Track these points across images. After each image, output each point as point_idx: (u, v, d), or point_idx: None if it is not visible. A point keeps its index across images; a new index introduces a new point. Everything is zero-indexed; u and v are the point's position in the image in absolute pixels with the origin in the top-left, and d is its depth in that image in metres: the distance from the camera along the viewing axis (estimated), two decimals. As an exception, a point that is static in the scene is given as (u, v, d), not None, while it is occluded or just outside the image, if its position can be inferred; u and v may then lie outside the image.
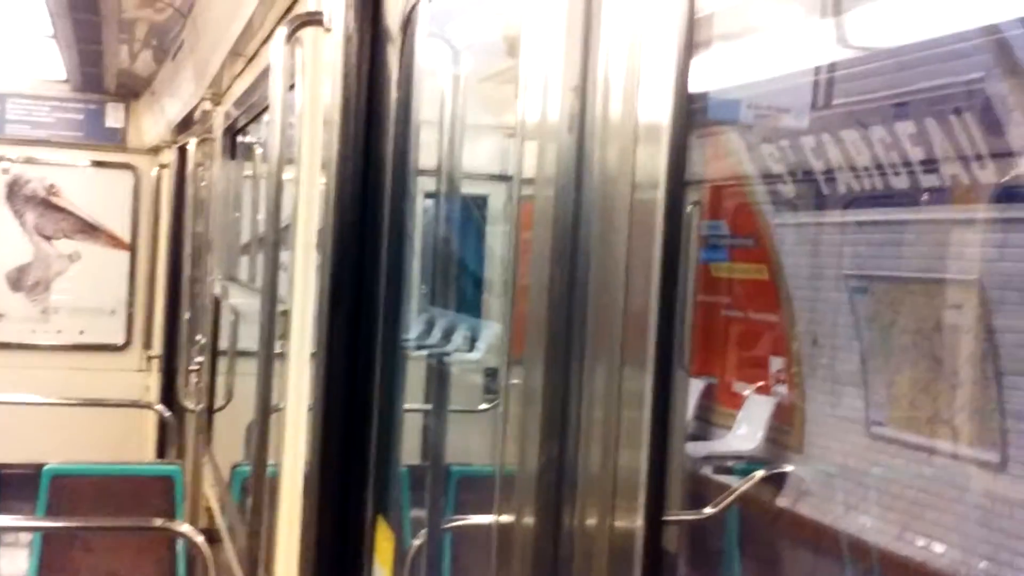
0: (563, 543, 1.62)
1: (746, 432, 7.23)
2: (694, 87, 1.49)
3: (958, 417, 5.61)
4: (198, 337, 6.24)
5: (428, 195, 4.15)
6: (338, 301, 2.75)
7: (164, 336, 8.57)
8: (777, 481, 6.69)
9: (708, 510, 4.95)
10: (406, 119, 2.62)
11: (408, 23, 2.50)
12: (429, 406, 3.71)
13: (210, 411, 5.87)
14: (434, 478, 3.56)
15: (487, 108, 4.68)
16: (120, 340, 9.68)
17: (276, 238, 3.05)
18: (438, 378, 4.04)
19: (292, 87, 3.09)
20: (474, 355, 6.61)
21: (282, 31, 2.85)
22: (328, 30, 2.76)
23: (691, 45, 1.45)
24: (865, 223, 6.07)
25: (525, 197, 1.78)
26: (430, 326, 6.41)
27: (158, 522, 5.21)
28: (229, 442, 5.51)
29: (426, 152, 3.39)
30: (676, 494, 6.21)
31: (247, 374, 3.26)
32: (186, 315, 7.09)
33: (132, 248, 9.68)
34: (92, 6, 5.95)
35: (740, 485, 5.47)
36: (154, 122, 8.93)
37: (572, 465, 1.63)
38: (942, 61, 4.93)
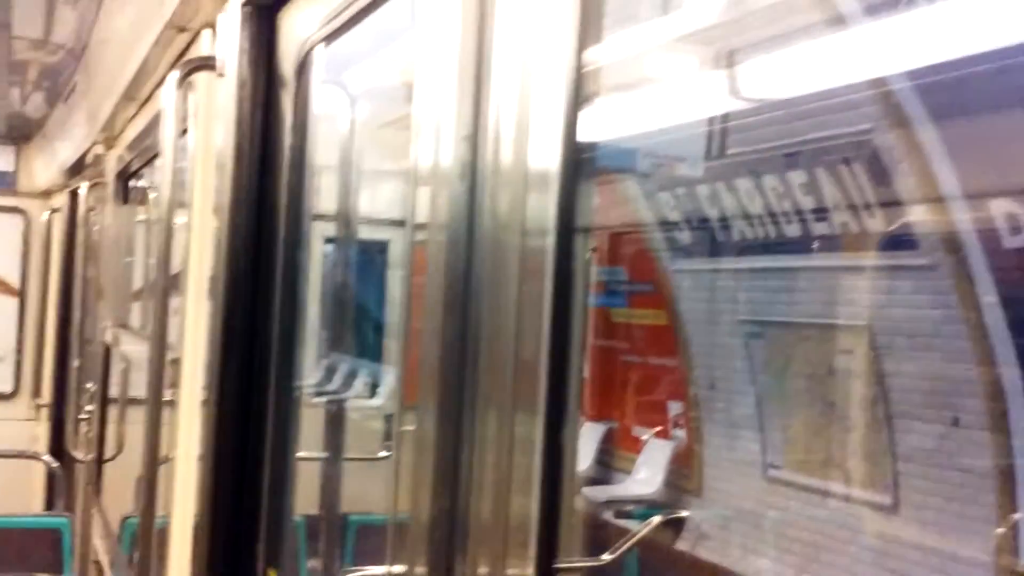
0: (455, 593, 1.60)
1: (646, 476, 7.28)
2: (592, 136, 1.51)
3: (851, 460, 5.73)
4: (88, 385, 6.09)
5: (328, 240, 4.12)
6: (230, 348, 2.70)
7: (54, 384, 8.34)
8: (677, 525, 6.73)
9: (606, 556, 4.95)
10: (301, 165, 2.60)
11: (302, 69, 2.48)
12: (327, 454, 3.66)
13: (100, 461, 5.72)
14: (330, 527, 3.51)
15: (389, 154, 4.68)
16: (8, 388, 9.41)
17: (166, 284, 2.99)
18: (336, 425, 3.99)
19: (185, 132, 3.05)
20: (375, 401, 6.56)
21: (174, 75, 2.81)
22: (221, 75, 2.73)
23: (579, 96, 1.47)
24: (759, 270, 6.19)
25: (418, 243, 1.77)
26: (331, 372, 6.36)
27: (44, 577, 5.04)
28: (120, 493, 5.36)
29: (327, 198, 3.37)
30: (575, 540, 6.20)
31: (139, 423, 3.18)
32: (76, 363, 6.91)
33: (21, 294, 9.43)
34: (-18, 47, 5.82)
35: (638, 531, 5.49)
36: (45, 165, 8.74)
37: (465, 513, 1.61)
38: (832, 113, 5.08)
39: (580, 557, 5.57)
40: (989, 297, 4.62)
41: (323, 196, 3.35)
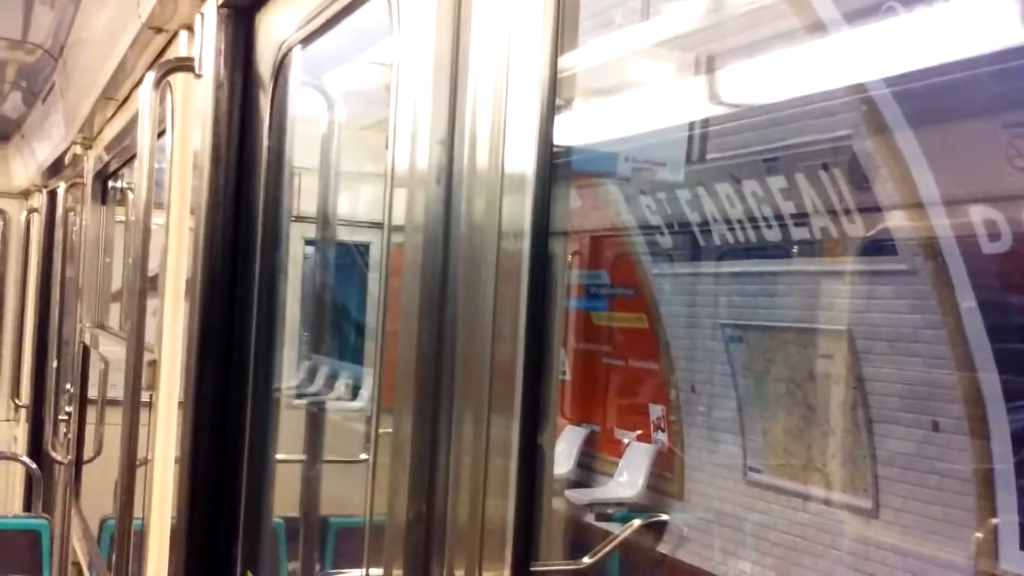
0: (432, 595, 1.60)
1: (627, 479, 7.28)
2: (571, 140, 1.52)
3: (831, 464, 5.74)
4: (67, 386, 6.06)
5: (309, 242, 4.11)
6: (207, 350, 2.70)
7: (32, 385, 8.30)
8: (658, 528, 6.74)
9: (586, 559, 4.95)
10: (279, 166, 2.60)
11: (280, 71, 2.48)
12: (306, 456, 3.65)
13: (79, 463, 5.69)
14: (308, 530, 3.50)
15: (369, 156, 4.67)
16: (-14, 389, 9.37)
17: (143, 285, 2.98)
18: (317, 427, 3.98)
19: (163, 132, 3.04)
20: (356, 403, 6.55)
21: (151, 76, 2.80)
22: (199, 76, 2.73)
23: (554, 100, 1.48)
24: (739, 274, 6.21)
25: (395, 245, 1.77)
26: (312, 374, 6.34)
27: (22, 579, 5.02)
28: (99, 495, 5.34)
29: (307, 199, 3.37)
30: (556, 543, 6.20)
31: (118, 424, 3.17)
32: (54, 363, 6.88)
33: (-1, 294, 9.40)
34: (-42, 47, 5.80)
35: (618, 534, 5.50)
36: (23, 166, 8.70)
37: (441, 515, 1.61)
38: (812, 118, 5.10)
39: (561, 560, 5.58)
40: (968, 302, 4.64)
41: (304, 198, 3.34)
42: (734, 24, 4.92)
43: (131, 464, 3.02)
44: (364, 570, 1.79)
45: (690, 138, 5.69)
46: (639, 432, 7.37)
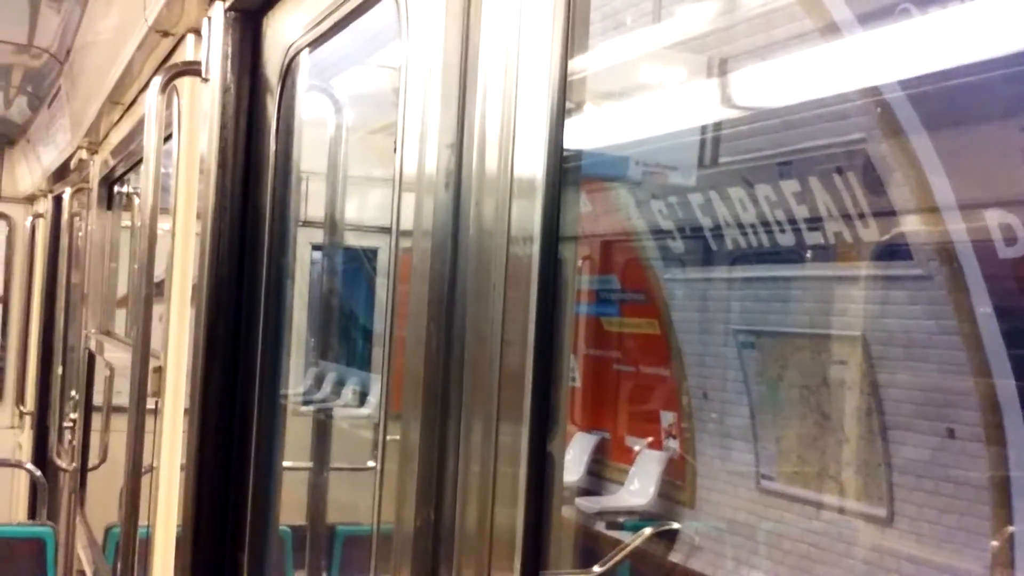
0: (440, 604, 1.58)
1: (638, 487, 7.25)
2: (582, 144, 1.50)
3: (846, 471, 5.70)
4: (72, 393, 6.04)
5: (316, 247, 4.09)
6: (213, 356, 2.67)
7: (37, 391, 8.30)
8: (669, 537, 6.70)
9: (596, 568, 4.92)
10: (286, 171, 2.57)
11: (287, 74, 2.45)
12: (313, 464, 3.62)
13: (84, 470, 5.68)
14: (315, 538, 3.47)
15: (378, 160, 4.65)
16: (-9, 396, 9.38)
17: (149, 291, 2.96)
18: (324, 434, 3.96)
19: (169, 137, 3.02)
20: (364, 410, 6.54)
21: (158, 80, 2.78)
22: (206, 80, 2.71)
23: (564, 103, 1.46)
24: (752, 279, 6.18)
25: (403, 250, 1.75)
26: (319, 381, 6.32)
27: (27, 587, 5.00)
28: (104, 502, 5.33)
29: (314, 204, 3.35)
30: (566, 551, 6.17)
31: (123, 431, 3.15)
32: (59, 370, 6.87)
33: (4, 300, 9.40)
34: (-37, 51, 5.80)
35: (629, 543, 5.47)
36: (29, 170, 8.72)
37: (449, 523, 1.59)
38: (825, 122, 5.07)
39: (571, 569, 5.55)
40: (984, 308, 4.60)
41: (311, 203, 3.32)
42: (746, 26, 4.90)
43: (136, 471, 3.00)
44: (372, 577, 1.77)
45: (702, 142, 5.67)
46: (650, 439, 7.34)
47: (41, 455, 7.53)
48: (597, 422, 7.86)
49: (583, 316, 7.74)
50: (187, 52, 3.01)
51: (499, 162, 1.51)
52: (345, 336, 7.06)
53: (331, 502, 3.58)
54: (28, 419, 8.54)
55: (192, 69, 2.81)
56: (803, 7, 4.47)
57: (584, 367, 7.87)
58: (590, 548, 6.41)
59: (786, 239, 5.69)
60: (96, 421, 5.60)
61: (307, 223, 3.81)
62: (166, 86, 2.83)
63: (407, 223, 1.71)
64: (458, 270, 1.61)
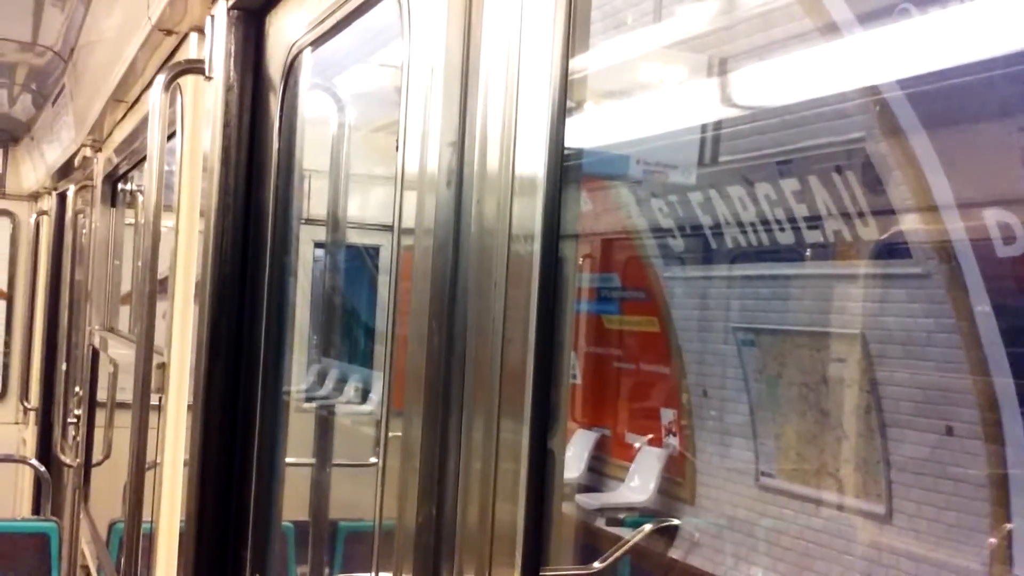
0: (441, 600, 1.59)
1: (639, 484, 7.27)
2: (583, 142, 1.51)
3: (845, 468, 5.72)
4: (76, 389, 6.06)
5: (319, 245, 4.10)
6: (216, 352, 2.68)
7: (41, 388, 8.31)
8: (669, 533, 6.72)
9: (597, 564, 4.93)
10: (288, 169, 2.58)
11: (290, 73, 2.47)
12: (316, 460, 3.63)
13: (87, 466, 5.69)
14: (317, 534, 3.48)
15: (380, 158, 4.66)
16: (-5, 391, 9.40)
17: (152, 288, 2.97)
18: (327, 431, 3.97)
19: (173, 135, 3.03)
20: (366, 407, 6.55)
21: (161, 78, 2.80)
22: (209, 78, 2.72)
23: (565, 102, 1.47)
24: (752, 277, 6.19)
25: (405, 248, 1.76)
26: (322, 377, 6.33)
27: (30, 582, 5.02)
28: (108, 498, 5.34)
29: (317, 202, 3.36)
30: (567, 547, 6.18)
31: (126, 427, 3.16)
32: (63, 366, 6.88)
33: (9, 296, 9.40)
34: (-31, 50, 5.81)
35: (629, 539, 5.47)
36: (33, 168, 8.72)
37: (451, 519, 1.60)
38: (825, 121, 5.08)
39: (572, 565, 5.56)
40: (983, 306, 4.61)
41: (314, 201, 3.33)
42: (747, 26, 4.91)
43: (140, 467, 3.01)
44: (373, 574, 1.78)
45: (702, 140, 5.68)
46: (650, 436, 7.36)
47: (45, 451, 7.54)
48: (598, 419, 7.88)
49: (584, 314, 7.75)
50: (190, 50, 3.02)
51: (500, 160, 1.52)
52: (347, 333, 7.08)
53: (333, 498, 3.60)
54: (32, 415, 8.55)
55: (195, 67, 2.82)
56: (802, 7, 4.49)
57: (585, 364, 7.88)
58: (590, 544, 6.43)
59: (786, 237, 5.70)
60: (100, 417, 5.61)
61: (309, 221, 3.83)
62: (169, 84, 2.84)
63: (409, 221, 1.72)
64: (459, 268, 1.61)
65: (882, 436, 5.36)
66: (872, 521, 5.48)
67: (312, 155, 2.78)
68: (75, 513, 5.90)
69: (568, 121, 1.48)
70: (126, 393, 3.84)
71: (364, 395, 6.63)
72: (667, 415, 7.19)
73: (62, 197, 7.50)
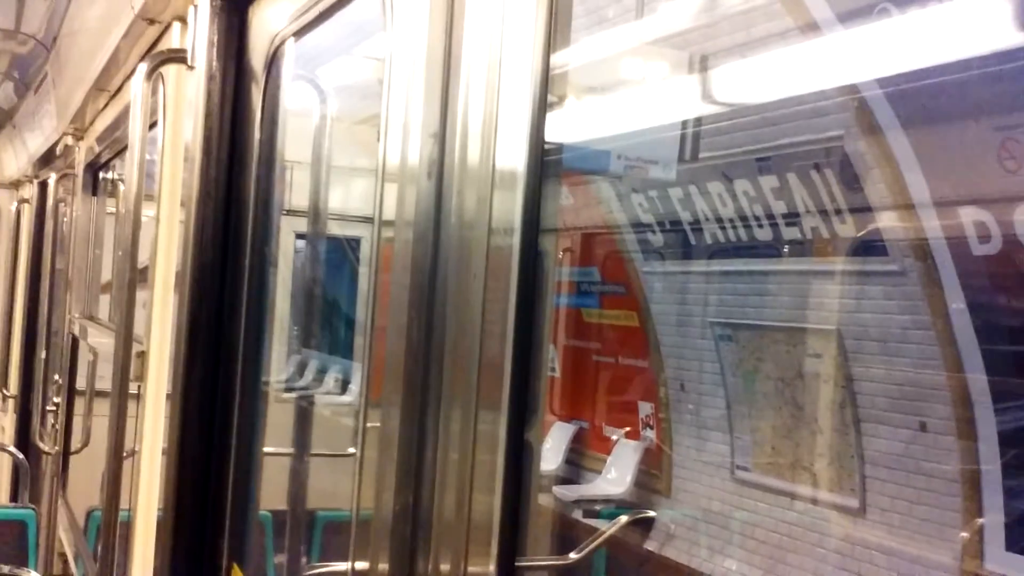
0: (418, 589, 1.60)
1: (616, 476, 7.29)
2: (563, 137, 1.52)
3: (819, 463, 5.76)
4: (55, 377, 6.05)
5: (300, 236, 4.10)
6: (196, 342, 2.69)
7: (20, 375, 8.28)
8: (645, 525, 6.75)
9: (573, 555, 4.96)
10: (270, 159, 2.59)
11: (272, 63, 2.47)
12: (294, 450, 3.64)
13: (66, 453, 5.68)
14: (295, 524, 3.49)
15: (362, 150, 4.66)
16: (-27, 380, 9.34)
17: (133, 277, 2.98)
18: (306, 421, 3.98)
19: (154, 124, 3.03)
20: (346, 398, 6.55)
21: (143, 67, 2.80)
22: (191, 68, 2.72)
23: (546, 96, 1.48)
24: (729, 272, 6.22)
25: (385, 240, 1.77)
26: (302, 368, 6.33)
27: (6, 569, 5.00)
28: (85, 485, 5.33)
29: (298, 193, 3.37)
30: (544, 538, 6.21)
31: (105, 415, 3.16)
32: (43, 354, 6.86)
33: (-11, 284, 9.37)
34: (-49, 37, 5.78)
35: (605, 531, 5.50)
36: (14, 156, 8.68)
37: (427, 510, 1.61)
38: (804, 119, 5.10)
39: (548, 555, 5.58)
40: (958, 304, 4.65)
41: (295, 192, 3.34)
42: (728, 24, 4.92)
43: (118, 455, 3.02)
44: (350, 564, 1.79)
45: (683, 137, 5.70)
46: (627, 429, 7.38)
47: (24, 438, 7.51)
48: (576, 412, 7.89)
49: (564, 307, 7.76)
50: (173, 40, 3.02)
51: (481, 153, 1.53)
52: (327, 324, 7.07)
53: (311, 488, 3.61)
54: (11, 402, 8.52)
55: (178, 57, 2.82)
56: (783, 6, 4.51)
57: (563, 358, 7.90)
58: (567, 535, 6.45)
59: (764, 234, 5.73)
60: (79, 405, 5.61)
61: (291, 212, 3.84)
62: (152, 73, 2.85)
63: (389, 212, 1.72)
64: (439, 260, 1.62)
65: (856, 431, 5.39)
66: (846, 515, 5.53)
67: (294, 146, 2.79)
68: (53, 500, 5.89)
69: (549, 116, 1.49)
70: (105, 381, 3.84)
71: (343, 386, 6.63)
72: (644, 408, 7.21)
73: (43, 185, 7.47)
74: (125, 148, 3.73)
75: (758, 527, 6.11)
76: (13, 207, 8.99)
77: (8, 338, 8.96)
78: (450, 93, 1.61)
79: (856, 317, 5.33)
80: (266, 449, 2.95)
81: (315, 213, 3.48)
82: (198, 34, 2.70)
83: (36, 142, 7.23)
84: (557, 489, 7.28)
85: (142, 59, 3.04)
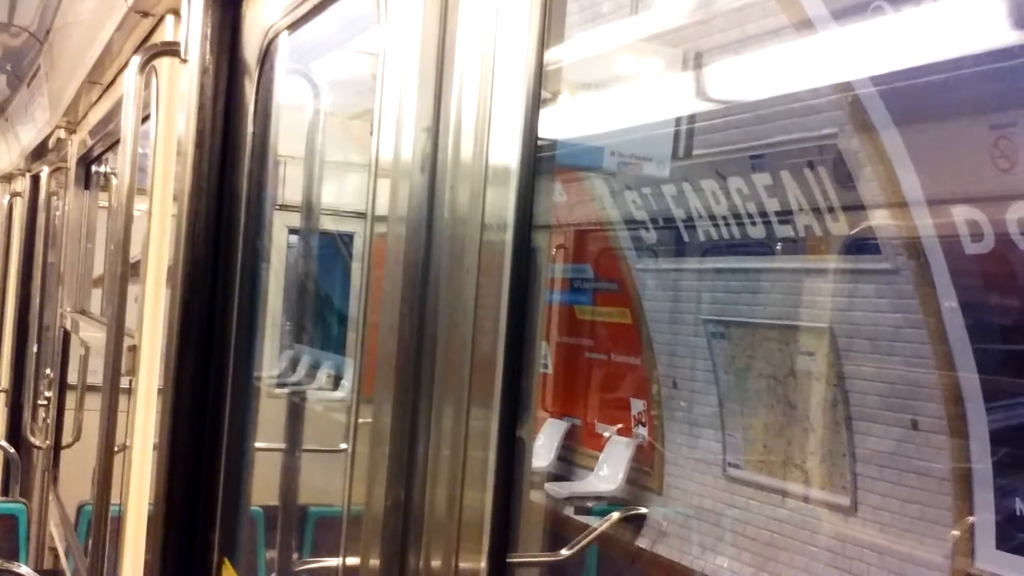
0: (409, 585, 1.60)
1: (608, 473, 7.29)
2: (558, 133, 1.51)
3: (811, 460, 5.76)
4: (47, 371, 6.04)
5: (292, 231, 4.10)
6: (187, 336, 2.69)
7: (11, 369, 8.26)
8: (637, 522, 6.76)
9: (564, 552, 4.96)
10: (263, 153, 2.59)
11: (266, 57, 2.47)
12: (286, 445, 3.64)
13: (57, 448, 5.68)
14: (286, 519, 3.49)
15: (356, 145, 4.66)
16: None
17: (125, 271, 2.97)
18: (297, 416, 3.98)
19: (147, 117, 3.03)
20: (338, 394, 6.54)
21: (136, 60, 2.79)
22: (184, 61, 2.72)
23: (540, 92, 1.48)
24: (722, 270, 6.22)
25: (378, 235, 1.77)
26: (294, 363, 6.32)
27: (-3, 563, 5.00)
28: (77, 480, 5.33)
29: (291, 188, 3.36)
30: (536, 535, 6.21)
31: (97, 410, 3.15)
32: (34, 348, 6.86)
33: (-20, 278, 9.35)
34: (-57, 29, 5.76)
35: (596, 527, 5.51)
36: (7, 149, 8.66)
37: (419, 506, 1.61)
38: (798, 116, 5.10)
39: (539, 552, 5.59)
40: (950, 302, 4.65)
41: (288, 187, 3.33)
42: (722, 20, 4.92)
43: (109, 450, 3.01)
44: (341, 559, 1.79)
45: (676, 133, 5.70)
46: (620, 426, 7.38)
47: (15, 432, 7.51)
48: (568, 408, 7.89)
49: (556, 304, 7.76)
50: (166, 32, 3.01)
51: (474, 148, 1.53)
52: (320, 320, 7.07)
53: (303, 483, 3.61)
54: (2, 396, 8.50)
55: (171, 50, 2.81)
56: (778, 3, 4.51)
57: (556, 354, 7.89)
58: (558, 532, 6.45)
59: (757, 231, 5.73)
60: (70, 399, 5.60)
61: (284, 207, 3.83)
62: (145, 66, 2.84)
63: (382, 207, 1.72)
64: (432, 255, 1.62)
65: (848, 429, 5.40)
66: (837, 512, 5.53)
67: (287, 141, 2.78)
68: (44, 495, 5.88)
69: (542, 111, 1.49)
70: (97, 376, 3.84)
71: (336, 382, 6.63)
72: (637, 405, 7.21)
73: (35, 179, 7.46)
74: (118, 142, 3.72)
75: (749, 524, 6.12)
76: (5, 200, 8.96)
77: (-1, 332, 8.95)
78: (444, 88, 1.61)
79: (848, 315, 5.33)
80: (258, 444, 2.95)
81: (308, 208, 3.48)
82: (191, 27, 2.70)
83: (28, 135, 7.22)
84: (549, 486, 7.28)
85: (135, 52, 3.03)
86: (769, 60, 4.76)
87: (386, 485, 1.65)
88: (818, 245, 5.36)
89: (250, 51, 2.57)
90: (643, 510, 6.77)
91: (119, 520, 3.12)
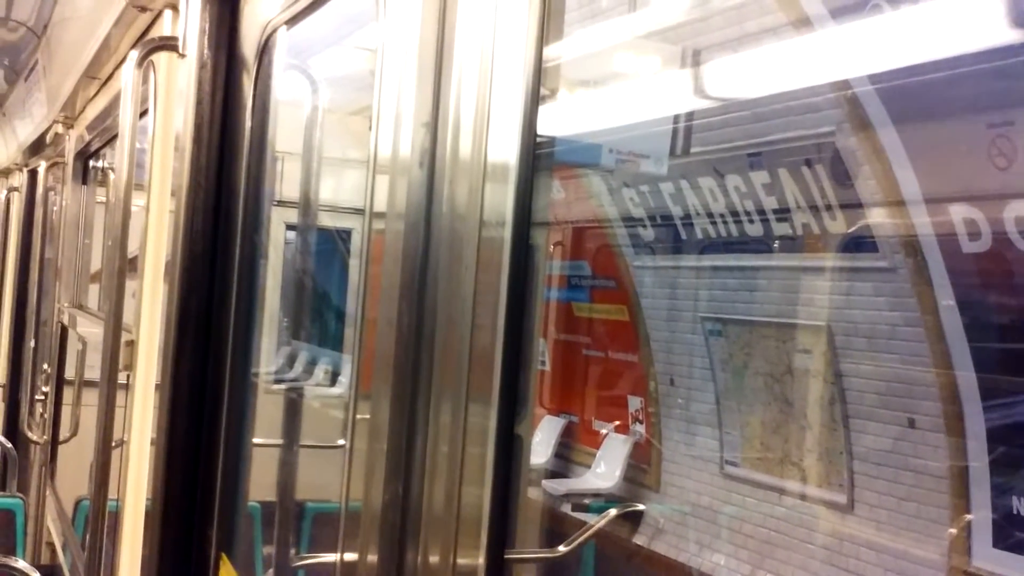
0: (406, 581, 1.60)
1: (605, 470, 7.30)
2: (556, 130, 1.51)
3: (808, 458, 5.77)
4: (44, 366, 6.04)
5: (290, 227, 4.09)
6: (185, 332, 2.69)
7: (9, 364, 8.26)
8: (634, 519, 6.76)
9: (561, 548, 4.96)
10: (261, 149, 2.58)
11: (264, 52, 2.46)
12: (284, 441, 3.63)
13: (54, 443, 5.67)
14: (284, 515, 3.49)
15: (355, 141, 4.66)
16: (-38, 368, 9.32)
17: (122, 266, 2.96)
18: (295, 412, 3.97)
19: (145, 112, 3.02)
20: (336, 390, 6.55)
21: (134, 55, 2.78)
22: (182, 56, 2.71)
23: (539, 89, 1.47)
24: (720, 268, 6.23)
25: (376, 231, 1.76)
26: (292, 359, 6.31)
27: (-7, 558, 4.98)
28: (75, 475, 5.32)
29: (289, 184, 3.36)
30: (533, 531, 6.21)
31: (94, 405, 3.15)
32: (32, 343, 6.86)
33: (-23, 273, 9.34)
34: (-60, 23, 5.76)
35: (593, 524, 5.50)
36: (4, 144, 8.65)
37: (417, 502, 1.61)
38: (796, 115, 5.11)
39: (537, 548, 5.59)
40: (947, 301, 4.66)
41: (286, 182, 3.33)
42: (720, 19, 4.92)
43: (107, 445, 3.01)
44: (339, 555, 1.79)
45: (674, 131, 5.70)
46: (617, 423, 7.39)
47: (12, 427, 7.51)
48: (565, 406, 7.90)
49: (554, 301, 7.76)
50: (164, 27, 3.01)
51: (473, 144, 1.53)
52: (318, 316, 7.07)
53: (301, 479, 3.61)
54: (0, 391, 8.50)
55: (169, 44, 2.81)
56: (777, 1, 4.51)
57: (554, 351, 7.90)
58: (556, 529, 6.46)
59: (754, 229, 5.74)
60: (67, 395, 5.59)
61: (282, 203, 3.82)
62: (143, 61, 2.83)
63: (381, 203, 1.72)
64: (430, 252, 1.62)
65: (845, 427, 5.41)
66: (834, 510, 5.54)
67: (285, 137, 2.78)
68: (41, 490, 5.88)
69: (541, 108, 1.49)
70: (94, 371, 3.83)
71: (333, 378, 6.63)
72: (634, 403, 7.22)
73: (33, 174, 7.45)
74: (115, 137, 3.71)
75: (746, 522, 6.12)
76: (2, 195, 8.95)
77: (-4, 327, 8.94)
78: (442, 83, 1.60)
79: (846, 313, 5.34)
80: (255, 440, 2.95)
81: (306, 204, 3.47)
82: (189, 22, 2.69)
83: (26, 130, 7.21)
84: (546, 483, 7.29)
85: (133, 47, 3.03)
86: (767, 58, 4.76)
87: (384, 481, 1.65)
88: (816, 243, 5.36)
89: (248, 46, 2.56)
90: (640, 507, 6.78)
91: (116, 515, 3.12)
